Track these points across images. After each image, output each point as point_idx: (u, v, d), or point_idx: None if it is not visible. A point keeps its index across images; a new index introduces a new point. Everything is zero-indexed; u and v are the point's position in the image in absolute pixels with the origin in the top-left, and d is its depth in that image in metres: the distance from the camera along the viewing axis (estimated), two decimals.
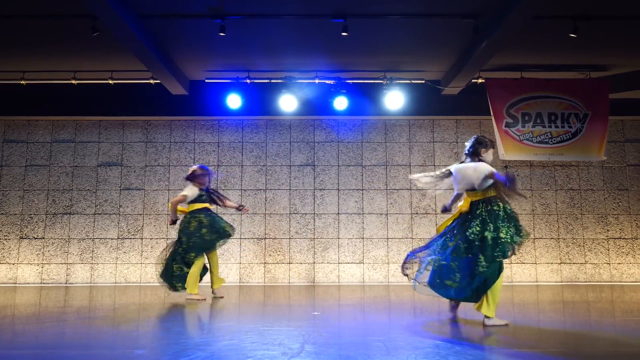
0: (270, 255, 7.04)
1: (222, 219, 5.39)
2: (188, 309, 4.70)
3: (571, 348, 3.13)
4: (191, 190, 5.22)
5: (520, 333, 3.55)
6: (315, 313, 4.45)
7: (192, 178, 5.29)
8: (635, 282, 7.00)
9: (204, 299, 5.09)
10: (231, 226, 5.35)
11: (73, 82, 6.63)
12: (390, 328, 3.82)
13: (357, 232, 7.07)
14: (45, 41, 5.67)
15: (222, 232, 5.22)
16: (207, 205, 5.31)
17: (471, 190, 3.84)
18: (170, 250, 5.22)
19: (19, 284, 6.95)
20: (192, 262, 5.09)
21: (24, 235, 7.07)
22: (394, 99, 6.62)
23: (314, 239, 7.07)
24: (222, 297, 5.33)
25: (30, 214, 7.11)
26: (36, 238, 7.07)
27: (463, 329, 3.74)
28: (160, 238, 7.05)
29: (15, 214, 7.11)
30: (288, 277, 6.99)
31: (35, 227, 7.09)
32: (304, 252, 7.04)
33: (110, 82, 6.65)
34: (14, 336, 3.56)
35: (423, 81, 6.82)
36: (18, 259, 7.02)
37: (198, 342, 3.21)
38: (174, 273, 5.11)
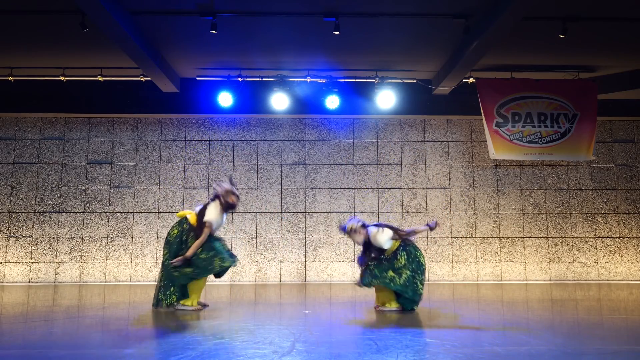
0: (261, 253, 7.03)
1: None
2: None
3: (559, 346, 3.16)
4: (217, 214, 4.46)
5: (509, 331, 3.59)
6: (306, 312, 4.45)
7: (222, 198, 4.52)
8: (622, 280, 7.09)
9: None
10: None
11: (62, 78, 6.56)
12: (381, 326, 3.83)
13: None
14: (33, 37, 5.60)
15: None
16: None
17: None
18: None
19: (7, 282, 6.87)
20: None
21: (11, 234, 6.99)
22: (386, 98, 6.64)
23: (306, 237, 7.07)
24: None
25: (18, 212, 7.03)
26: (24, 236, 6.99)
27: (452, 328, 3.77)
28: (151, 237, 7.01)
29: (3, 212, 7.02)
30: (279, 275, 6.99)
31: (23, 225, 7.01)
32: (295, 251, 7.04)
33: (100, 79, 6.59)
34: (1, 336, 3.52)
35: (414, 81, 6.84)
36: (5, 258, 6.93)
37: (188, 341, 3.19)
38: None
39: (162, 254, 4.61)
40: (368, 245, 4.45)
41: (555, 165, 7.28)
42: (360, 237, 4.46)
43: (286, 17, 5.16)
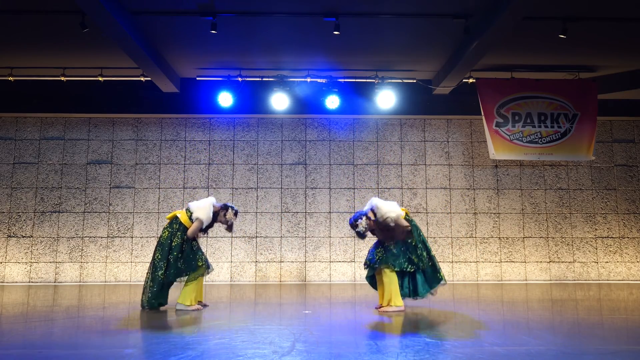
0: (261, 253, 7.03)
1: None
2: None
3: (559, 346, 3.16)
4: (208, 216, 4.59)
5: (509, 331, 3.59)
6: (307, 312, 4.45)
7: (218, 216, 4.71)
8: (622, 280, 7.09)
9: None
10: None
11: (62, 78, 6.56)
12: (381, 326, 3.83)
13: (348, 231, 7.07)
14: (33, 37, 5.60)
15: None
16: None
17: None
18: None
19: (7, 282, 6.87)
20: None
21: (11, 234, 6.99)
22: (386, 98, 6.64)
23: (306, 237, 7.08)
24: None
25: (19, 212, 7.03)
26: (24, 236, 6.99)
27: (452, 328, 3.77)
28: (151, 236, 7.01)
29: (3, 212, 7.02)
30: (279, 275, 6.99)
31: (23, 225, 7.01)
32: (295, 251, 7.04)
33: (100, 79, 6.59)
34: (1, 336, 3.52)
35: (414, 81, 6.85)
36: (5, 258, 6.94)
37: (188, 341, 3.19)
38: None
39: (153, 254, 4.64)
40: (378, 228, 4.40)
41: (555, 165, 7.29)
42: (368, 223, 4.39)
43: (286, 17, 5.16)
